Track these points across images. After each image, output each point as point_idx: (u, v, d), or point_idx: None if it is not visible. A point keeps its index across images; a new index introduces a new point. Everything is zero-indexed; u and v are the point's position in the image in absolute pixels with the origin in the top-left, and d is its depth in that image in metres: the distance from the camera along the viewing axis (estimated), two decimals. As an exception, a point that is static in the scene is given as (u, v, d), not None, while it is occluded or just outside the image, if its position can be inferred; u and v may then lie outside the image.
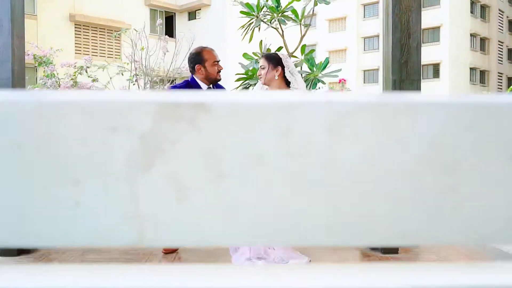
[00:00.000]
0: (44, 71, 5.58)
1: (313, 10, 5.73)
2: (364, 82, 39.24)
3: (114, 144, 0.32)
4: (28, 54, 5.70)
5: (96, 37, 20.86)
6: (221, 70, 3.44)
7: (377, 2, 38.26)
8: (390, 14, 3.52)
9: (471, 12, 37.80)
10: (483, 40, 39.72)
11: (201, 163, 0.32)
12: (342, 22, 39.96)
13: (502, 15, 41.47)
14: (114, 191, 0.33)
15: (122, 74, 5.98)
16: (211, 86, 3.46)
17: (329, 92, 10.12)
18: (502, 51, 41.68)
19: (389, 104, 0.33)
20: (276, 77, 3.41)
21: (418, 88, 3.52)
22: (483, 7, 39.50)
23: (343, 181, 0.33)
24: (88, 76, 5.64)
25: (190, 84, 3.37)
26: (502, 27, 41.57)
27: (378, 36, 38.22)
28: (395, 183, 0.33)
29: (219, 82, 3.55)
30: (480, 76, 39.70)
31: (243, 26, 5.96)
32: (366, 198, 0.33)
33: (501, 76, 41.59)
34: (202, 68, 3.36)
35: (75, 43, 20.30)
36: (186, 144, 0.32)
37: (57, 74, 5.83)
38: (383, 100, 0.33)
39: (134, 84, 5.47)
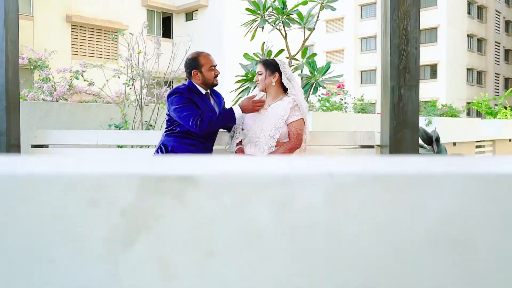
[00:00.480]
0: (39, 75, 5.53)
1: (319, 15, 5.70)
2: (361, 83, 39.25)
3: (94, 220, 0.29)
4: (23, 58, 5.65)
5: (93, 38, 20.79)
6: (218, 75, 3.42)
7: (375, 3, 38.28)
8: (388, 19, 3.49)
9: (468, 13, 37.84)
10: (480, 41, 39.77)
11: (189, 240, 0.29)
12: (339, 22, 39.99)
13: (499, 16, 41.53)
14: (92, 271, 0.29)
15: (119, 77, 5.94)
16: (208, 91, 3.44)
17: (326, 95, 10.02)
18: (499, 52, 41.73)
19: (396, 175, 0.29)
20: (274, 83, 3.39)
21: (416, 94, 3.50)
22: (480, 8, 39.55)
23: (346, 259, 0.30)
24: (84, 80, 5.59)
25: (190, 88, 3.34)
26: (499, 28, 41.63)
27: (375, 36, 38.25)
28: (403, 260, 0.30)
29: (215, 88, 3.53)
30: (477, 77, 39.75)
31: (246, 24, 5.90)
32: (371, 277, 0.30)
33: (498, 77, 41.65)
34: (199, 74, 3.33)
35: (72, 44, 20.22)
36: (172, 219, 0.29)
37: (53, 77, 5.79)
38: (389, 171, 0.30)
39: (130, 88, 5.42)
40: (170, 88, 6.83)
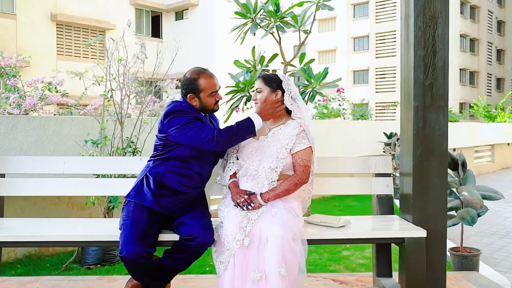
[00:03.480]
0: (5, 84, 4.91)
1: (315, 15, 5.11)
2: (354, 83, 38.79)
3: None
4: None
5: (79, 37, 20.03)
6: (219, 101, 2.82)
7: (367, 2, 37.81)
8: (412, 26, 2.92)
9: (461, 12, 37.49)
10: (472, 41, 39.51)
11: None
12: (331, 22, 39.46)
13: (491, 15, 41.28)
14: None
15: (99, 84, 5.30)
16: (205, 114, 2.84)
17: (324, 102, 9.49)
18: (491, 52, 41.47)
19: None
20: (275, 104, 2.80)
21: (445, 116, 2.93)
22: (473, 8, 39.27)
23: None
24: (56, 91, 4.96)
25: (190, 106, 2.75)
26: (491, 28, 41.37)
27: (368, 36, 37.79)
28: None
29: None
30: (469, 77, 39.48)
31: (236, 29, 5.31)
32: None
33: (490, 77, 41.40)
34: (196, 99, 2.74)
35: (57, 44, 19.45)
36: None
37: (23, 86, 5.15)
38: None
39: (108, 100, 4.81)
40: (157, 98, 6.21)
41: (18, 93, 4.85)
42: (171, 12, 23.56)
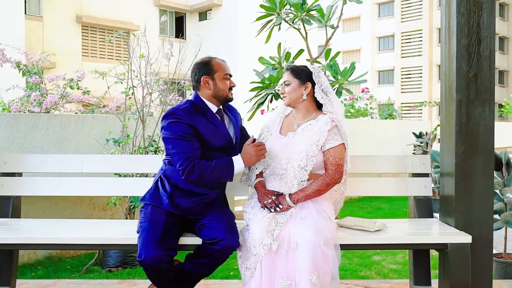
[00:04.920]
0: (27, 82, 4.82)
1: (342, 10, 4.88)
2: (379, 83, 38.20)
3: None
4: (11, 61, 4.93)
5: (104, 39, 20.15)
6: (234, 88, 2.63)
7: (393, 1, 37.20)
8: (454, 13, 2.67)
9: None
10: (502, 40, 38.61)
11: None
12: (356, 21, 38.98)
13: None
14: None
15: (122, 83, 5.17)
16: (221, 107, 2.65)
17: (351, 100, 9.22)
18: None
19: None
20: (305, 97, 2.60)
21: (491, 110, 2.67)
22: (502, 6, 38.37)
23: None
24: (78, 88, 4.85)
25: (195, 105, 2.55)
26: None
27: (393, 36, 37.18)
28: None
29: (231, 103, 2.74)
30: (499, 76, 38.57)
31: (259, 18, 5.09)
32: None
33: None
34: (210, 81, 2.54)
35: (82, 45, 19.63)
36: None
37: (45, 84, 5.06)
38: None
39: (130, 97, 4.67)
40: (179, 96, 6.07)
41: (39, 91, 4.75)
42: (194, 12, 23.53)
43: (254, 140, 2.55)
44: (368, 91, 9.44)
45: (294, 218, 2.41)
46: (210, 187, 2.52)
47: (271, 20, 5.01)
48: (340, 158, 2.51)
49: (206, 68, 2.57)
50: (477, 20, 2.66)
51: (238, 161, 2.46)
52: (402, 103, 33.93)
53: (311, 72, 2.59)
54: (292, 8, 4.79)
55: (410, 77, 36.45)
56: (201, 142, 2.46)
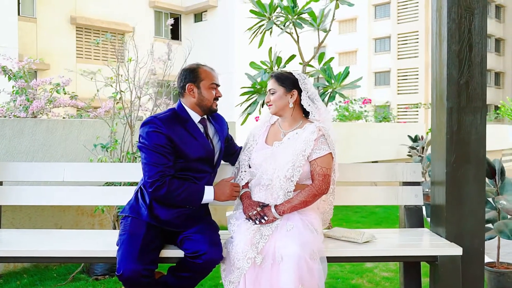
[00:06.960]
0: (13, 86, 4.73)
1: (334, 13, 4.81)
2: (375, 85, 38.19)
3: None
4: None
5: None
6: (219, 98, 2.56)
7: (389, 3, 37.21)
8: (445, 18, 2.60)
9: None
10: (498, 41, 38.73)
11: None
12: (352, 23, 38.97)
13: None
14: None
15: (111, 86, 5.08)
16: (205, 116, 2.57)
17: (345, 103, 9.14)
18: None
19: None
20: (291, 105, 2.52)
21: (482, 118, 2.61)
22: (498, 7, 38.56)
23: None
24: (65, 93, 4.76)
25: (177, 114, 2.48)
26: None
27: (389, 37, 37.19)
28: None
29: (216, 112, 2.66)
30: (495, 78, 38.64)
31: (251, 28, 5.06)
32: None
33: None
34: (195, 89, 2.47)
35: (77, 47, 19.52)
36: None
37: (32, 89, 4.96)
38: None
39: (118, 102, 4.58)
40: (170, 100, 5.98)
41: (26, 95, 4.66)
42: (190, 14, 23.45)
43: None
44: (370, 102, 9.39)
45: (279, 231, 2.33)
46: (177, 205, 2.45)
47: (262, 25, 4.95)
48: (327, 168, 2.44)
49: (192, 75, 2.49)
50: (468, 26, 2.59)
51: (209, 193, 2.41)
52: (398, 105, 33.94)
53: (297, 79, 2.52)
54: (283, 12, 4.73)
55: (407, 79, 36.46)
56: (178, 153, 2.39)
